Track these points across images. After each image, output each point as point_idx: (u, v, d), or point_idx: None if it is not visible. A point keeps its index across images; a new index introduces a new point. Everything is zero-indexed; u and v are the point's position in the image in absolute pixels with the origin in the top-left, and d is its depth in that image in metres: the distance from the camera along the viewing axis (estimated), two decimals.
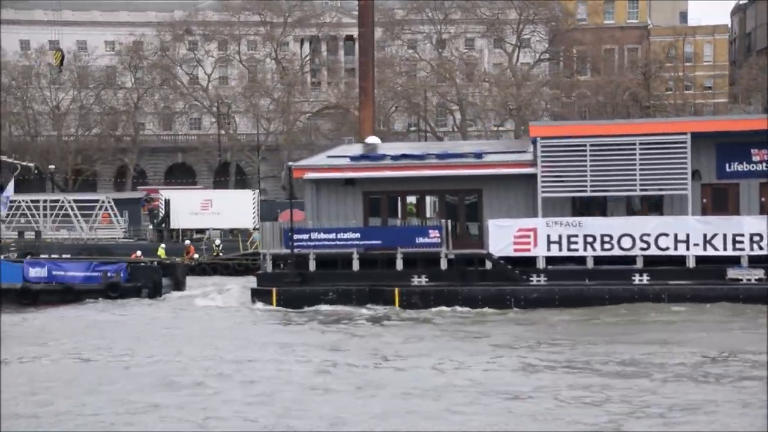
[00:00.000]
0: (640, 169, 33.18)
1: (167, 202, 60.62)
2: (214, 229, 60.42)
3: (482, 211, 35.86)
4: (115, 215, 63.15)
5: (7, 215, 53.07)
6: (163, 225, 60.46)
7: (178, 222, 60.39)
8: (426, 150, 38.55)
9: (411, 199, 37.69)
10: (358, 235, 35.58)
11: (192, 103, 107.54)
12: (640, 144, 33.17)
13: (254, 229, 57.49)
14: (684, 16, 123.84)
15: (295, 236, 35.87)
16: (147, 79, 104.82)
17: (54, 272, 40.13)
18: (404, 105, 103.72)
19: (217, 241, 55.06)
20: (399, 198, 37.10)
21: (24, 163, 44.16)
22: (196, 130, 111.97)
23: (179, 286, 42.70)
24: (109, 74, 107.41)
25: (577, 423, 16.90)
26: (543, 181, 34.02)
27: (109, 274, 40.07)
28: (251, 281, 39.87)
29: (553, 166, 33.98)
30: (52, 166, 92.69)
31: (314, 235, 35.84)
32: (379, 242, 35.35)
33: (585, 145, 33.63)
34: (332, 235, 35.65)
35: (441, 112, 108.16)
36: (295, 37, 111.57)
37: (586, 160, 33.67)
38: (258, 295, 35.87)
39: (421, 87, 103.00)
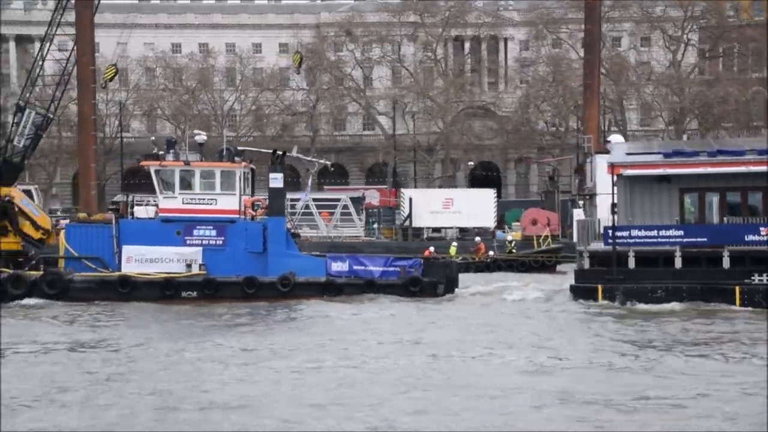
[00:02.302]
0: None
1: (410, 201, 61.79)
2: (456, 228, 61.28)
3: None
4: (355, 214, 64.64)
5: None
6: (406, 223, 61.65)
7: (419, 220, 61.48)
8: (743, 146, 38.04)
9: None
10: (681, 232, 35.46)
11: (349, 103, 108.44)
12: None
13: (496, 228, 58.04)
14: None
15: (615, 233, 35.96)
16: (307, 82, 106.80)
17: (354, 267, 41.21)
18: (551, 104, 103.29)
19: (509, 237, 55.81)
20: (718, 194, 36.79)
21: (321, 161, 45.56)
22: (341, 131, 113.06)
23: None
24: (279, 77, 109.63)
25: None
26: None
27: (407, 270, 40.95)
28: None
29: None
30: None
31: (634, 233, 35.87)
32: (704, 240, 35.15)
33: None
34: (653, 233, 35.62)
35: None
36: (439, 37, 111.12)
37: None
38: (578, 291, 36.09)
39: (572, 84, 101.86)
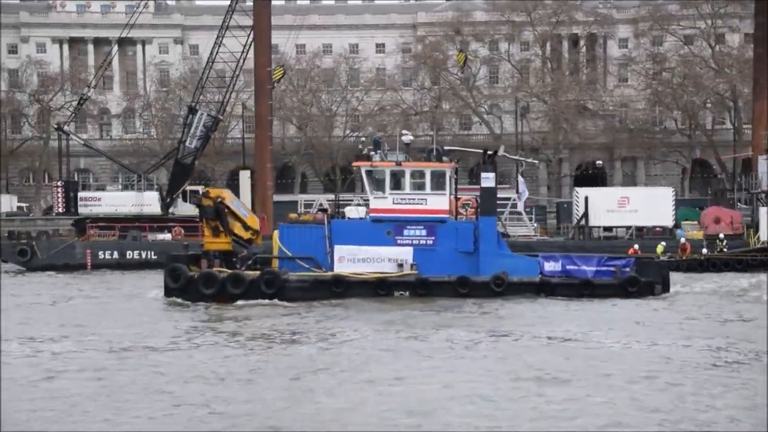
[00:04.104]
0: None
1: (586, 200, 61.12)
2: (633, 227, 60.29)
3: None
4: (524, 213, 64.05)
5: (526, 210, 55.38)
6: (582, 222, 61.00)
7: (595, 219, 60.78)
8: None
9: None
10: None
11: (459, 103, 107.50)
12: None
13: (674, 227, 56.97)
14: None
15: None
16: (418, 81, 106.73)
17: (567, 266, 40.73)
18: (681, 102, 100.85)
19: (721, 235, 54.88)
20: None
21: (529, 160, 45.21)
22: (439, 132, 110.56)
23: None
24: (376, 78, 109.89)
25: None
26: None
27: (623, 270, 40.25)
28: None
29: None
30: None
31: None
32: None
33: None
34: None
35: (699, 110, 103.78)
36: (549, 35, 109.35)
37: None
38: None
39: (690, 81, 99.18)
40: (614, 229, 62.13)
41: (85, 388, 21.19)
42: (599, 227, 62.17)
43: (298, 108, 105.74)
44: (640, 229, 61.53)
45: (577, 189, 64.49)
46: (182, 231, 61.61)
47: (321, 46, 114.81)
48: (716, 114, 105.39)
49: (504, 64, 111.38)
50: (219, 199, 41.77)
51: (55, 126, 74.12)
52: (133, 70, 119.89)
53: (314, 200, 64.21)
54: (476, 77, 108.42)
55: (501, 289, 39.85)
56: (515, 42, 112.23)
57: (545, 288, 40.09)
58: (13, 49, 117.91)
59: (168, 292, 40.31)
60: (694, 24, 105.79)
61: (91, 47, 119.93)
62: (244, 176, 70.75)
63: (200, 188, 67.46)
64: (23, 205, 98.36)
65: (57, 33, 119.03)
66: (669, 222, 61.25)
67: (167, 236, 62.25)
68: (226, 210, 41.88)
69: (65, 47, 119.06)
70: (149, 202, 64.86)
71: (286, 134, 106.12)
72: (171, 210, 65.72)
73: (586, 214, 60.86)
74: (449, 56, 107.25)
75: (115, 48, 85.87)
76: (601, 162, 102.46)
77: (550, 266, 40.67)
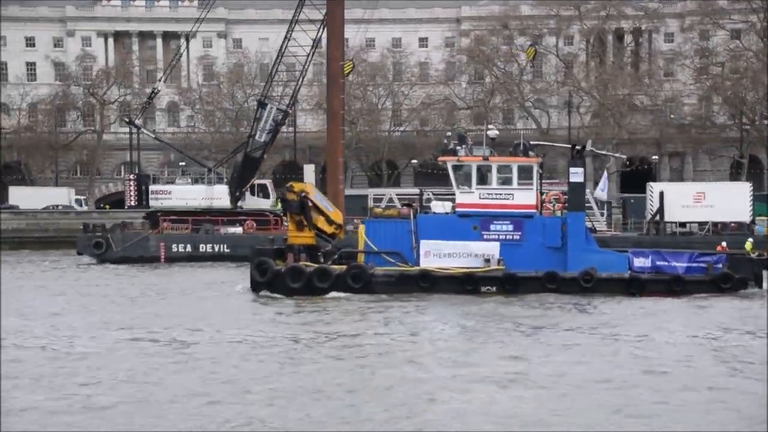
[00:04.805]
0: None
1: (661, 195, 60.52)
2: (710, 222, 59.58)
3: None
4: (597, 208, 63.51)
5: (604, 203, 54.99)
6: (657, 217, 60.44)
7: (670, 215, 60.19)
8: None
9: None
10: None
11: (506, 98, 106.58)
12: None
13: (752, 223, 56.13)
14: None
15: None
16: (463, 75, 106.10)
17: (657, 262, 40.23)
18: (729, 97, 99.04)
19: None
20: None
21: (617, 155, 44.73)
22: (479, 126, 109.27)
23: None
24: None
25: None
26: None
27: (715, 266, 39.71)
28: None
29: None
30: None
31: None
32: None
33: None
34: None
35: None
36: (599, 30, 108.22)
37: None
38: None
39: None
40: (688, 225, 61.43)
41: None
42: (674, 222, 61.47)
43: (347, 102, 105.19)
44: (716, 224, 60.80)
45: (650, 184, 63.70)
46: (254, 225, 61.72)
47: (365, 40, 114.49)
48: (764, 109, 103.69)
49: (549, 59, 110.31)
50: (303, 194, 41.65)
51: (126, 120, 74.41)
52: (177, 63, 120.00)
53: (383, 194, 64.08)
54: (524, 71, 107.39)
55: (590, 284, 39.40)
56: (560, 36, 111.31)
57: (634, 284, 39.58)
58: (58, 43, 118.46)
59: (255, 285, 40.29)
60: (747, 18, 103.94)
61: (135, 41, 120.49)
62: (309, 170, 70.63)
63: (267, 182, 67.60)
64: (81, 198, 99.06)
65: (102, 27, 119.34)
66: (746, 218, 60.48)
67: (238, 230, 62.38)
68: (310, 204, 41.76)
69: (110, 41, 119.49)
70: (219, 196, 65.01)
71: None
72: (239, 203, 65.84)
73: (661, 210, 60.20)
74: (500, 50, 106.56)
75: (170, 43, 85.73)
76: (656, 157, 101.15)
77: (639, 262, 40.16)
